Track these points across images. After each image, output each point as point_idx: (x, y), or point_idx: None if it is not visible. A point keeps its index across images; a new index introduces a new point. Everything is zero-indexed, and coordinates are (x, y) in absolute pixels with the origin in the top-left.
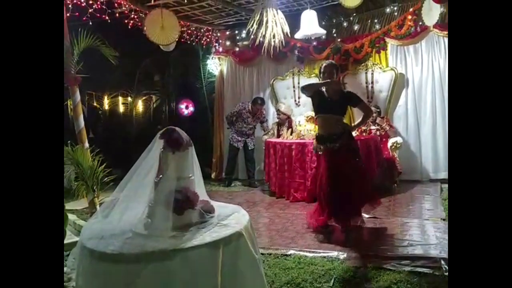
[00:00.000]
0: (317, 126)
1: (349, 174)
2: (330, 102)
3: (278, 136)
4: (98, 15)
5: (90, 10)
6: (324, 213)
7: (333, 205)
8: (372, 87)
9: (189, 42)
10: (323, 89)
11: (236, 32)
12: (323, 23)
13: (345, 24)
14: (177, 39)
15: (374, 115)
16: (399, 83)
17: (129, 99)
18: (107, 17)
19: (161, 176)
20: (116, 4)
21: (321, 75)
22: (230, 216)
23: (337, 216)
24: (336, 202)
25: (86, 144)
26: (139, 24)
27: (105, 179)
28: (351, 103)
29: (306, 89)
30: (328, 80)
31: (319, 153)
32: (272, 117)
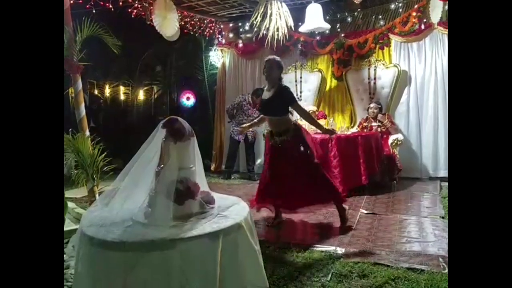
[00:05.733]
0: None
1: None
2: (266, 102)
3: None
4: (102, 3)
5: None
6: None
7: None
8: (374, 83)
9: (192, 33)
10: (265, 88)
11: (240, 24)
12: (327, 17)
13: (349, 19)
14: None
15: (375, 111)
16: (402, 80)
17: (130, 89)
18: (110, 6)
19: (162, 165)
20: None
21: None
22: (230, 208)
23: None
24: (283, 188)
25: (87, 133)
26: (143, 13)
27: (105, 168)
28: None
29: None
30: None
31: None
32: None
